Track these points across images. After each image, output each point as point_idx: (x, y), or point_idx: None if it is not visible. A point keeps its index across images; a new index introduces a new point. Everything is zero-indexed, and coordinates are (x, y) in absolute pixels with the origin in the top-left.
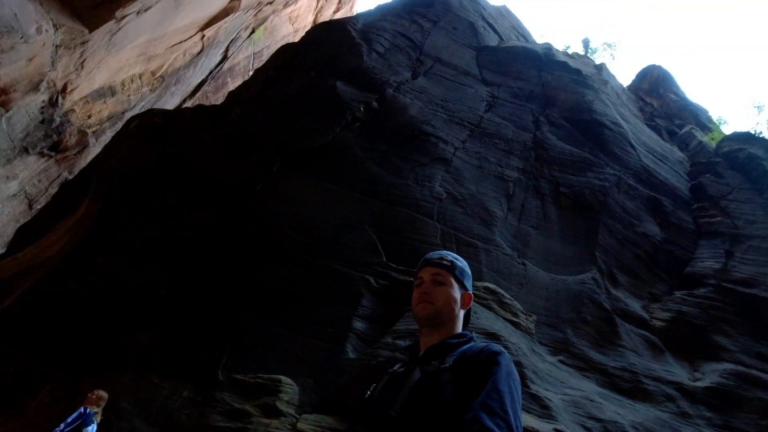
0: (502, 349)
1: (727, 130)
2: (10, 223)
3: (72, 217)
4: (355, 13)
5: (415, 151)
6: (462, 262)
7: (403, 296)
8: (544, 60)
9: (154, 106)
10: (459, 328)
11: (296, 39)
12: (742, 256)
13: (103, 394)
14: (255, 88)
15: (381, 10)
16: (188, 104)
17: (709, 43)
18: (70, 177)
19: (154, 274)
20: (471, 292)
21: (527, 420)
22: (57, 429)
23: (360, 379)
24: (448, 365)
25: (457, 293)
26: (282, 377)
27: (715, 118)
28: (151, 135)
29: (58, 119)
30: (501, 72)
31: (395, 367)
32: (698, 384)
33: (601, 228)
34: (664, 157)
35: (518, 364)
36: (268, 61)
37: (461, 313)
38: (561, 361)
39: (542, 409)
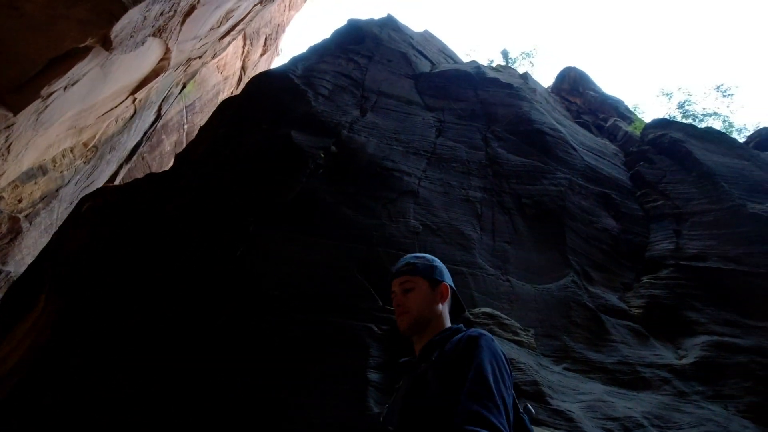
0: (482, 331)
1: (644, 117)
2: None
3: (28, 318)
4: (280, 53)
5: (382, 188)
6: (425, 259)
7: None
8: (477, 79)
9: (90, 177)
10: (446, 323)
11: (226, 87)
12: (689, 232)
13: None
14: (203, 147)
15: (316, 52)
16: (125, 169)
17: (611, 36)
18: (5, 267)
19: (132, 382)
20: (446, 283)
21: None
22: None
23: None
24: (431, 362)
25: (428, 292)
26: None
27: (631, 107)
28: (106, 213)
29: None
30: (441, 96)
31: (400, 384)
32: (684, 361)
33: (566, 231)
34: (602, 153)
35: (534, 383)
36: (212, 118)
37: (443, 308)
38: (566, 368)
39: (568, 422)
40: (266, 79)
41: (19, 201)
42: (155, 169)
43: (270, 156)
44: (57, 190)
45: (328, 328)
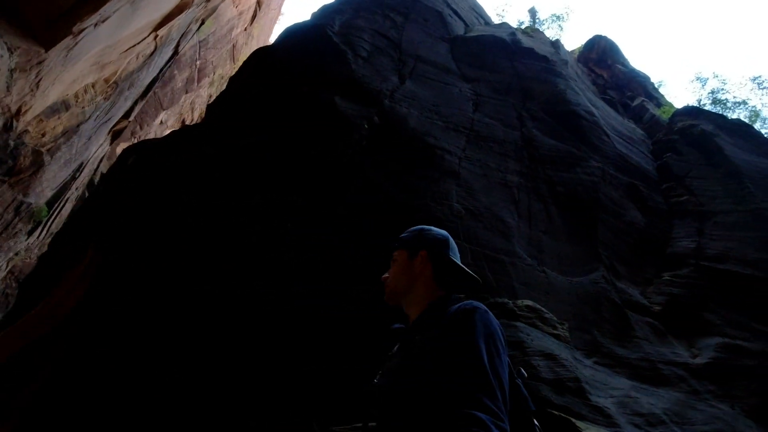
0: (475, 303)
1: (668, 94)
2: None
3: (77, 267)
4: None
5: (425, 166)
6: (412, 230)
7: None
8: (513, 48)
9: (108, 113)
10: (432, 290)
11: (240, 22)
12: (711, 232)
13: None
14: (237, 102)
15: (350, 5)
16: (139, 105)
17: (643, 4)
18: (26, 199)
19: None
20: (426, 250)
21: (597, 431)
22: None
23: None
24: (423, 342)
25: (406, 263)
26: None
27: (656, 82)
28: (149, 168)
29: (12, 143)
30: (477, 65)
31: (393, 352)
32: (698, 361)
33: (598, 224)
34: (631, 140)
35: (576, 380)
36: (243, 70)
37: (427, 276)
38: (596, 362)
39: (606, 418)
40: (302, 33)
41: (43, 135)
42: (166, 105)
43: (313, 122)
44: (78, 126)
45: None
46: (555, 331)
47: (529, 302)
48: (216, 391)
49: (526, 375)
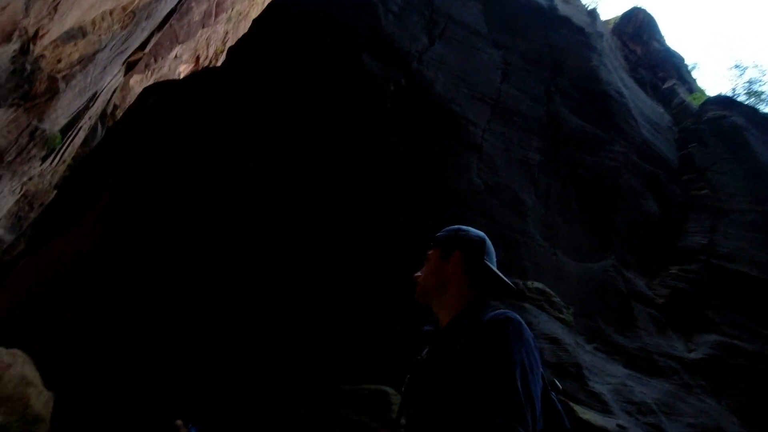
0: (509, 313)
1: (698, 75)
2: None
3: (97, 206)
4: None
5: (448, 136)
6: (448, 230)
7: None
8: (549, 15)
9: (125, 43)
10: (464, 294)
11: None
12: (725, 230)
13: (178, 422)
14: (258, 48)
15: None
16: (156, 37)
17: None
18: (41, 125)
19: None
20: (460, 251)
21: (593, 417)
22: None
23: None
24: (454, 346)
25: (438, 262)
26: (387, 388)
27: (690, 64)
28: (169, 109)
29: (29, 67)
30: (509, 31)
31: (422, 355)
32: (693, 356)
33: (615, 212)
34: (657, 126)
35: (577, 366)
36: (266, 15)
37: (460, 277)
38: (596, 348)
39: (602, 404)
40: None
41: (59, 61)
42: (182, 39)
43: (334, 75)
44: (94, 54)
45: None
46: (561, 315)
47: (539, 285)
48: (225, 348)
49: (561, 387)
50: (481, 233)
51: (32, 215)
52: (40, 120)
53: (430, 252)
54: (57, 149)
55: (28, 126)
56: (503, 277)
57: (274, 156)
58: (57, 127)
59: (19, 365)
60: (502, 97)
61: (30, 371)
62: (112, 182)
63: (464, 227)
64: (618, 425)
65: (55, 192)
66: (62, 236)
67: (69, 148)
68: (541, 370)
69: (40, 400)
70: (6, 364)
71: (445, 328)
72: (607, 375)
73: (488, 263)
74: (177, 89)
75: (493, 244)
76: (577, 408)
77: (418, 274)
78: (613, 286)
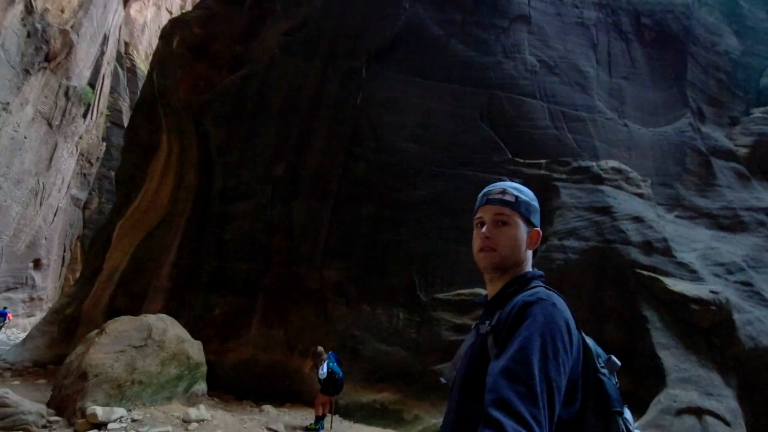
0: (541, 295)
1: None
2: (41, 147)
3: (157, 157)
4: None
5: (491, 13)
6: (527, 195)
7: (540, 191)
8: None
9: None
10: (526, 269)
11: None
12: None
13: (320, 349)
14: None
15: None
16: None
17: None
18: (69, 83)
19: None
20: (538, 229)
21: (686, 288)
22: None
23: (547, 282)
24: (491, 325)
25: (523, 233)
26: (482, 290)
27: None
28: (197, 47)
29: (39, 27)
30: None
31: (478, 322)
32: None
33: (688, 60)
34: None
35: (664, 240)
36: None
37: (529, 254)
38: (677, 216)
39: (691, 273)
40: None
41: (62, 12)
42: None
43: None
44: None
45: (466, 181)
46: (639, 190)
47: (614, 163)
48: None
49: (618, 364)
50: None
51: (93, 171)
52: (68, 78)
53: (507, 211)
54: (92, 103)
55: (60, 87)
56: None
57: (356, 78)
58: (84, 81)
59: (171, 327)
60: None
61: (179, 329)
62: (167, 134)
63: (530, 191)
64: (711, 291)
65: (121, 155)
66: (138, 195)
67: (101, 99)
68: (569, 356)
69: (195, 349)
70: (162, 329)
71: (489, 303)
72: (692, 241)
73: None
74: (195, 24)
75: (559, 129)
76: (669, 282)
77: (489, 234)
78: (691, 147)
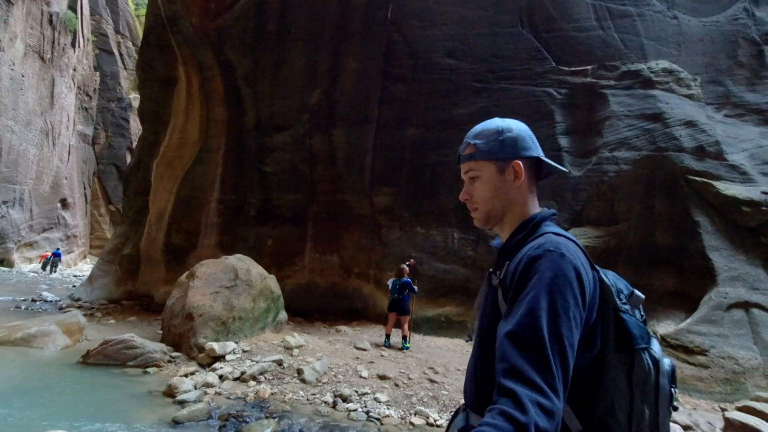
0: (548, 246)
1: None
2: (40, 84)
3: (177, 91)
4: None
5: None
6: (486, 132)
7: (587, 100)
8: None
9: None
10: (529, 210)
11: None
12: None
13: (403, 267)
14: None
15: None
16: None
17: None
18: (50, 9)
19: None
20: (517, 158)
21: (738, 191)
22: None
23: (599, 195)
24: (499, 279)
25: (497, 179)
26: None
27: None
28: None
29: None
30: None
31: (491, 270)
32: None
33: None
34: None
35: (716, 143)
36: None
37: (522, 189)
38: (726, 115)
39: (741, 174)
40: None
41: None
42: None
43: None
44: None
45: (511, 95)
46: (689, 91)
47: (665, 63)
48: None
49: (642, 297)
50: (520, 123)
51: (93, 104)
52: (48, 3)
53: (472, 164)
54: (77, 29)
55: (42, 14)
56: (553, 164)
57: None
58: (64, 6)
59: (251, 266)
60: None
61: (258, 267)
62: (185, 68)
63: (503, 124)
64: (762, 192)
65: (140, 92)
66: (166, 134)
67: (84, 23)
68: (582, 309)
69: (273, 283)
70: (245, 269)
71: (500, 252)
72: (740, 141)
73: (541, 157)
74: None
75: (605, 28)
76: (721, 186)
77: (466, 195)
78: (743, 36)
